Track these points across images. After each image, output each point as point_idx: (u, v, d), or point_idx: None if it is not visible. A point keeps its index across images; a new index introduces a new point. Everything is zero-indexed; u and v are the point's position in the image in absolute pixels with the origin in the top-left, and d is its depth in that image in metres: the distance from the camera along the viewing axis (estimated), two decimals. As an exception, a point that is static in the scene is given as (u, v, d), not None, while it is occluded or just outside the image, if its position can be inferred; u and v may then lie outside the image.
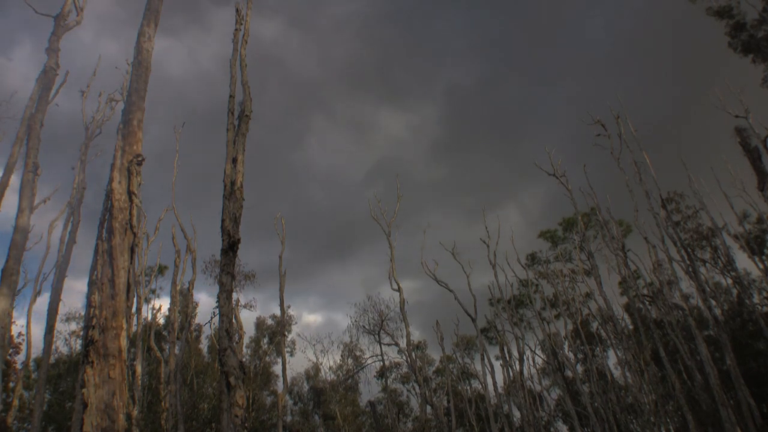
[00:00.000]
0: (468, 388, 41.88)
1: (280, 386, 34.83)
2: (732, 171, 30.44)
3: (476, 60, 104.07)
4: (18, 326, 29.11)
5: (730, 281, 32.37)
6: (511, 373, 34.82)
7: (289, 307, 45.91)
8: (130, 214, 7.36)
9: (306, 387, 41.19)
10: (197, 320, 35.63)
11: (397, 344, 32.20)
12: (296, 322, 44.86)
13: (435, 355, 44.51)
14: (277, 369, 38.38)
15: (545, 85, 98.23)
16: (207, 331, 36.78)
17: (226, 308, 8.91)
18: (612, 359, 36.75)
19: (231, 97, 11.19)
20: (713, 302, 29.72)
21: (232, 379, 8.23)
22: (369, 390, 63.25)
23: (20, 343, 25.54)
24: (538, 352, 38.94)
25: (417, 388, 34.13)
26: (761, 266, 29.97)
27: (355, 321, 33.60)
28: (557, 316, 38.73)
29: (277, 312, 35.90)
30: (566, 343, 37.57)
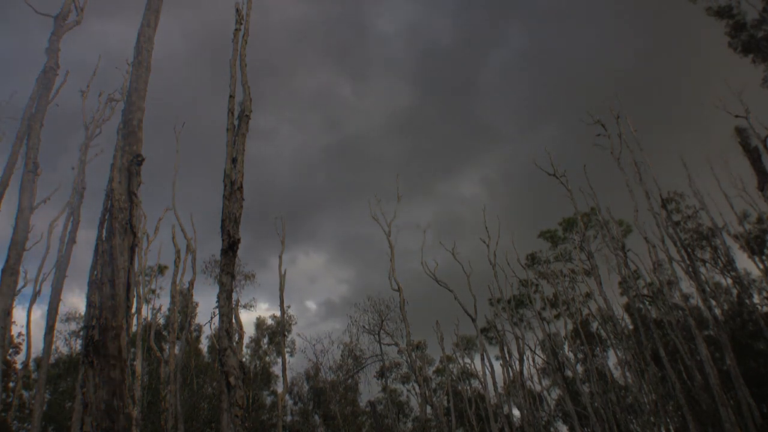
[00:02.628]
0: (468, 388, 41.87)
1: (280, 386, 34.84)
2: (732, 171, 30.49)
3: (436, 24, 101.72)
4: (18, 326, 29.11)
5: (730, 281, 32.39)
6: (511, 373, 34.87)
7: (289, 307, 45.93)
8: (130, 214, 7.36)
9: (306, 387, 41.17)
10: (197, 320, 35.65)
11: (397, 344, 32.21)
12: (296, 323, 44.81)
13: (435, 355, 44.55)
14: (277, 369, 38.40)
15: (501, 34, 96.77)
16: (207, 331, 36.82)
17: (226, 308, 8.91)
18: (612, 359, 36.81)
19: (231, 97, 11.19)
20: (713, 302, 29.72)
21: (232, 379, 8.23)
22: (369, 390, 63.14)
23: (20, 343, 25.56)
24: (538, 352, 38.99)
25: (417, 388, 34.14)
26: (761, 266, 29.99)
27: (355, 320, 33.59)
28: (557, 316, 38.73)
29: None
30: (566, 343, 37.59)
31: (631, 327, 34.77)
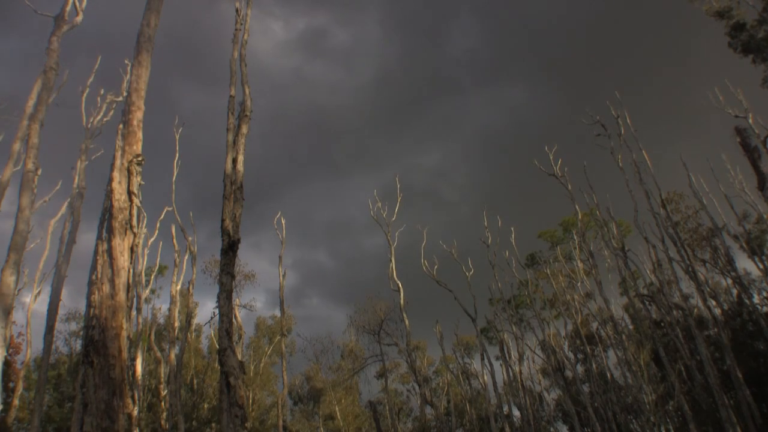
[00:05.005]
0: (468, 388, 41.89)
1: (280, 386, 34.84)
2: (732, 171, 30.48)
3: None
4: (18, 326, 29.09)
5: (730, 281, 32.35)
6: (511, 373, 34.85)
7: (289, 307, 45.92)
8: (130, 214, 7.36)
9: (306, 387, 41.19)
10: (197, 320, 35.65)
11: (396, 344, 32.19)
12: (297, 322, 44.78)
13: (435, 355, 44.56)
14: (277, 369, 38.40)
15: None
16: (207, 331, 36.80)
17: (226, 308, 8.91)
18: (612, 359, 36.78)
19: (231, 97, 11.19)
20: (713, 302, 29.71)
21: (232, 379, 8.23)
22: (369, 390, 63.16)
23: (20, 343, 25.60)
24: (538, 352, 38.96)
25: (417, 388, 34.13)
26: (761, 266, 29.94)
27: (355, 321, 33.58)
28: (557, 317, 38.72)
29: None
30: (566, 343, 37.59)
31: (631, 327, 34.75)
